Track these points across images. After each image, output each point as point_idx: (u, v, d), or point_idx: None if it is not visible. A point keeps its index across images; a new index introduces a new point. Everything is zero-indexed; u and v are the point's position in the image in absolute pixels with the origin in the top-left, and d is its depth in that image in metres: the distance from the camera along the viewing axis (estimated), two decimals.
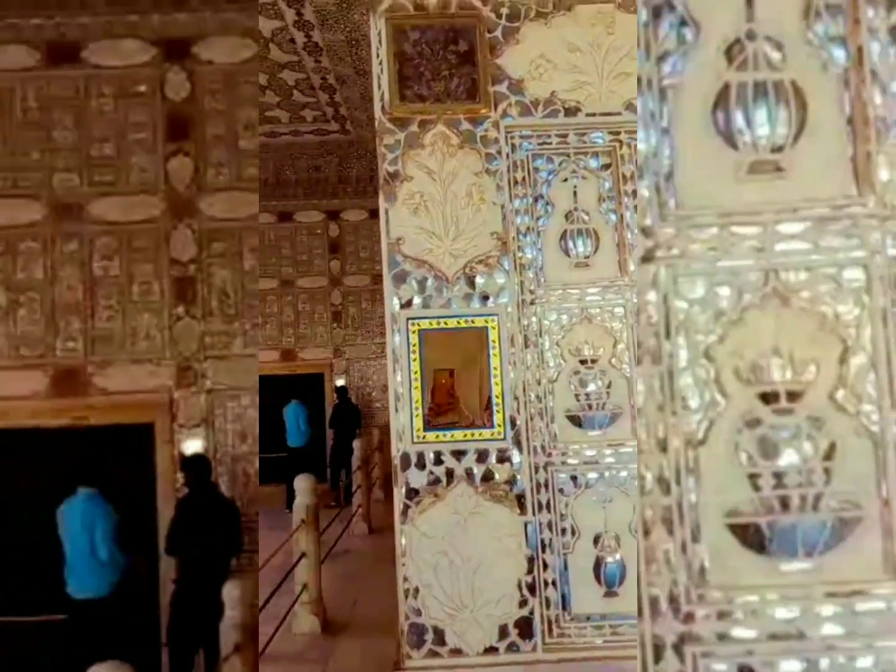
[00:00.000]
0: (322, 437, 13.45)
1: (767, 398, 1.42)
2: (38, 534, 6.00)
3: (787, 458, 1.44)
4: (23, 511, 6.50)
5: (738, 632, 1.58)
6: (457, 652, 1.80)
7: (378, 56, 1.60)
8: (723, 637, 1.57)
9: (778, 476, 1.45)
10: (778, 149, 1.47)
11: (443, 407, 1.89)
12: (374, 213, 13.80)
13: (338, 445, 12.66)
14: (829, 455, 1.43)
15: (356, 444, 10.85)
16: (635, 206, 1.80)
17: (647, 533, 1.59)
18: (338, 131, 13.38)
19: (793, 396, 1.40)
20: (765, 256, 1.41)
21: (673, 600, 1.60)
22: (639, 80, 1.55)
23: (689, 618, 1.60)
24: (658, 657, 1.62)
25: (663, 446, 1.57)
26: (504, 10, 1.65)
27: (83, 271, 6.93)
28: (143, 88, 6.91)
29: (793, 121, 1.45)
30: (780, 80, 1.50)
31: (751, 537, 1.47)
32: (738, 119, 1.59)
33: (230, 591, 4.68)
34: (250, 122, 6.95)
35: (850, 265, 1.41)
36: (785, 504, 1.42)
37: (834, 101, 1.45)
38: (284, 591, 5.38)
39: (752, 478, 1.47)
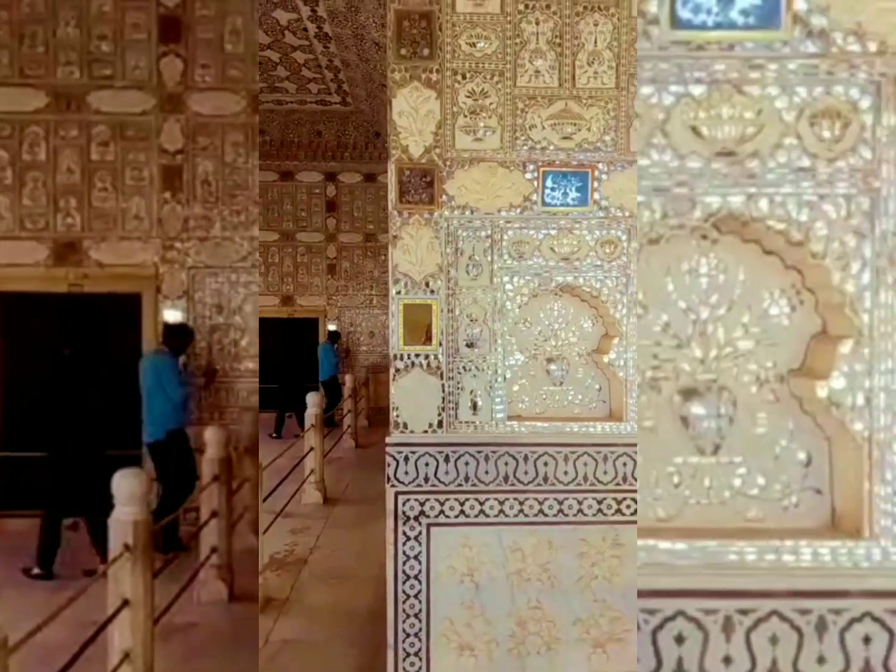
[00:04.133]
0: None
1: None
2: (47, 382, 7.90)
3: None
4: (32, 361, 8.70)
5: None
6: (411, 432, 4.77)
7: (390, 183, 4.43)
8: None
9: None
10: None
11: (421, 339, 4.80)
12: (368, 177, 18.49)
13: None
14: None
15: (347, 378, 15.37)
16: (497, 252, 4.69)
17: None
18: (339, 103, 16.95)
19: None
20: None
21: None
22: None
23: None
24: None
25: None
26: (448, 162, 4.21)
27: (82, 156, 9.27)
28: None
29: None
30: None
31: None
32: None
33: (210, 435, 6.90)
34: (236, 29, 9.23)
35: None
36: None
37: None
38: (290, 480, 8.83)
39: None
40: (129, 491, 4.74)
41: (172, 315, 9.34)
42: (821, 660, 3.06)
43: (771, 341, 3.29)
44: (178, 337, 8.46)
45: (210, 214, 9.46)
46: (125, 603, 4.59)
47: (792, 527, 3.28)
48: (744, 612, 3.08)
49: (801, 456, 3.33)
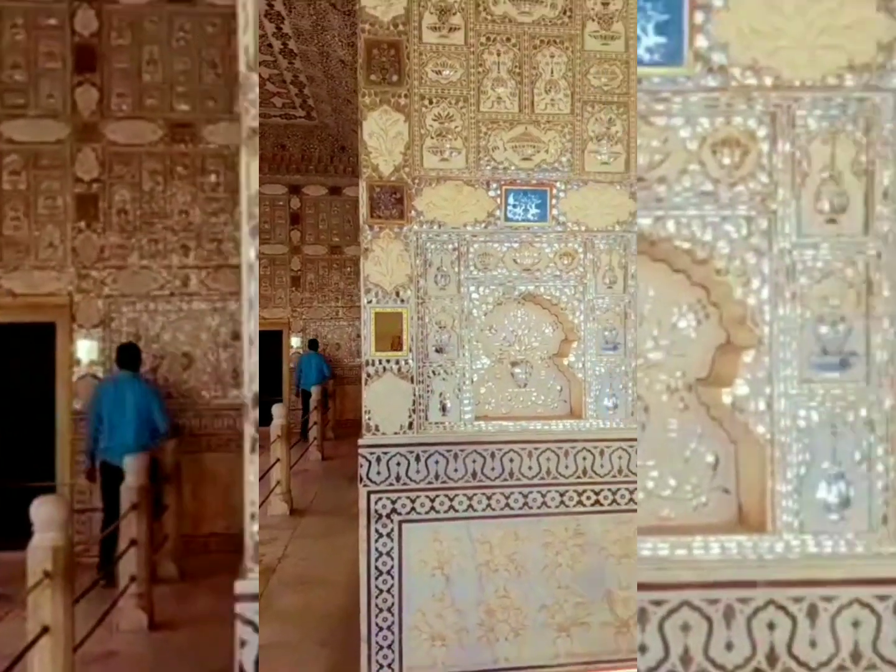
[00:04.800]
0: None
1: None
2: None
3: None
4: None
5: None
6: (383, 434, 5.10)
7: (361, 199, 4.67)
8: None
9: None
10: None
11: (392, 345, 5.12)
12: (333, 190, 18.93)
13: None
14: None
15: (313, 389, 15.60)
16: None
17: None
18: (304, 117, 17.43)
19: None
20: None
21: None
22: None
23: None
24: None
25: None
26: (416, 180, 4.27)
27: None
28: (53, 22, 9.36)
29: None
30: None
31: None
32: None
33: (129, 462, 6.87)
34: (153, 58, 9.48)
35: None
36: None
37: None
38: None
39: None
40: (48, 517, 4.76)
41: (88, 345, 9.53)
42: (729, 646, 3.40)
43: (679, 352, 3.72)
44: (134, 356, 8.61)
45: (127, 243, 9.62)
46: (45, 630, 4.61)
47: (702, 523, 3.65)
48: (657, 603, 3.40)
49: (710, 458, 3.69)
